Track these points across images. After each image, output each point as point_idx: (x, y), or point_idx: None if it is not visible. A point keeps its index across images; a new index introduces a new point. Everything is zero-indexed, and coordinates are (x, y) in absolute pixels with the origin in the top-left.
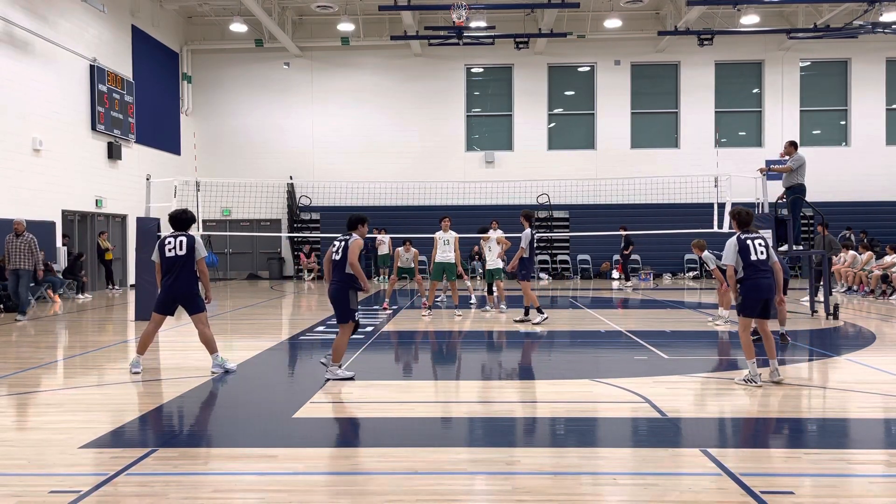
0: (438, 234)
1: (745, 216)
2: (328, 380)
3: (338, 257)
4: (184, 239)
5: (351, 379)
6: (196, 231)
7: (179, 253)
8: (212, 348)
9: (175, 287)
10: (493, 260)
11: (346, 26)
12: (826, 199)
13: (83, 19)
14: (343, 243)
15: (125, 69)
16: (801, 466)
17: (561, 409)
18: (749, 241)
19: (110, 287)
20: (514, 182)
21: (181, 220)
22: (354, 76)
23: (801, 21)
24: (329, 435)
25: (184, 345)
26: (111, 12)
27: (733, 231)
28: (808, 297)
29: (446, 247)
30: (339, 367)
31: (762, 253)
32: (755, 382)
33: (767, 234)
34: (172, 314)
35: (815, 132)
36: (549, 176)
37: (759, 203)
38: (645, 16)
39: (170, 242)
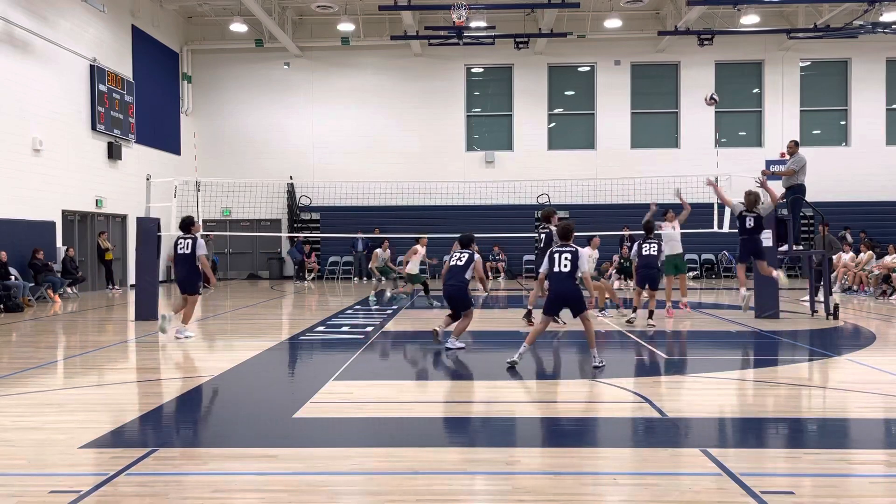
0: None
1: (562, 230)
2: (448, 349)
3: (461, 263)
4: (190, 240)
5: (462, 348)
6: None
7: (185, 251)
8: (185, 320)
9: (177, 274)
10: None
11: (346, 26)
12: (826, 199)
13: (83, 19)
14: (468, 256)
15: (125, 69)
16: (801, 466)
17: (561, 409)
18: (556, 254)
19: (110, 287)
20: (514, 182)
21: (181, 224)
22: (354, 76)
23: (801, 21)
24: (329, 435)
25: (184, 345)
26: (111, 12)
27: (734, 231)
28: (808, 297)
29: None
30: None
31: (565, 266)
32: (603, 363)
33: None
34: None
35: (815, 132)
36: (549, 176)
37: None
38: (645, 16)
39: (180, 242)
